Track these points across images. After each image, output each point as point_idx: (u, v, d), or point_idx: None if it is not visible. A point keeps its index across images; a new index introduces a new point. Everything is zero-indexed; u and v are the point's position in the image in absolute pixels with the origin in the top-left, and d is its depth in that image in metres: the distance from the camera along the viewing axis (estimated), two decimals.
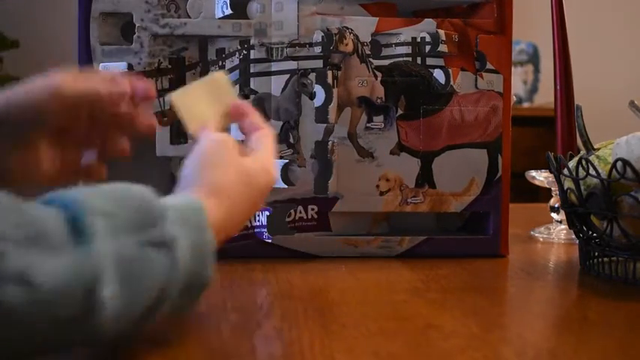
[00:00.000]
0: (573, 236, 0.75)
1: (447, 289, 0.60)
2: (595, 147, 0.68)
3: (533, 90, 2.99)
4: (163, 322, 0.49)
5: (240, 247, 0.69)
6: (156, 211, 0.40)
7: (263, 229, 0.70)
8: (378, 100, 0.72)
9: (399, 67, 0.73)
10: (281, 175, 0.70)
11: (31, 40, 2.37)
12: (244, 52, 0.71)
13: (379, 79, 0.72)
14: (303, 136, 0.71)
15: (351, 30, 0.72)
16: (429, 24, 0.73)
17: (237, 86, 0.71)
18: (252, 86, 0.71)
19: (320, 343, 0.45)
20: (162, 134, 0.70)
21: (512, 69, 0.76)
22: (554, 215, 0.88)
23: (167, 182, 0.65)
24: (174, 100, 0.54)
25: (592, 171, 0.61)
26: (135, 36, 0.70)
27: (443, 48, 0.73)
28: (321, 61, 0.71)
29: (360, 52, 0.72)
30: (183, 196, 0.46)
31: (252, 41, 0.71)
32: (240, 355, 0.43)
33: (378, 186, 0.72)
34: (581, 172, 0.62)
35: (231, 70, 0.71)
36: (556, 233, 0.86)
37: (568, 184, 0.66)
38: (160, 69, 0.70)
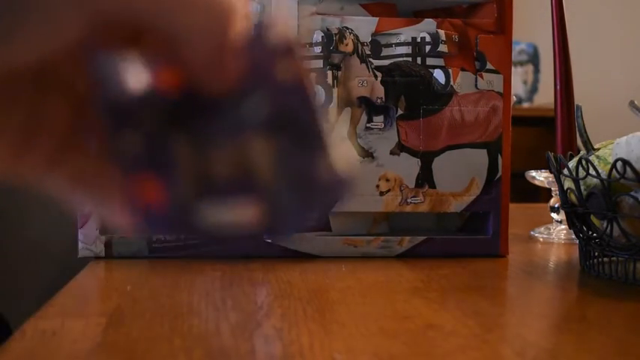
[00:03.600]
0: (573, 236, 0.75)
1: (447, 289, 0.60)
2: (595, 147, 0.68)
3: (533, 90, 3.00)
4: (163, 322, 0.49)
5: (240, 247, 0.69)
6: None
7: None
8: (378, 100, 0.72)
9: (399, 67, 0.73)
10: None
11: None
12: None
13: (379, 79, 0.72)
14: None
15: (351, 30, 0.72)
16: (429, 24, 0.73)
17: None
18: None
19: (320, 342, 0.45)
20: None
21: (513, 69, 0.76)
22: (554, 215, 0.88)
23: None
24: None
25: (592, 171, 0.61)
26: None
27: (443, 48, 0.73)
28: (321, 61, 0.72)
29: (360, 52, 0.72)
30: None
31: None
32: (240, 355, 0.43)
33: (378, 186, 0.72)
34: (581, 172, 0.62)
35: None
36: (556, 233, 0.86)
37: (568, 184, 0.66)
38: None
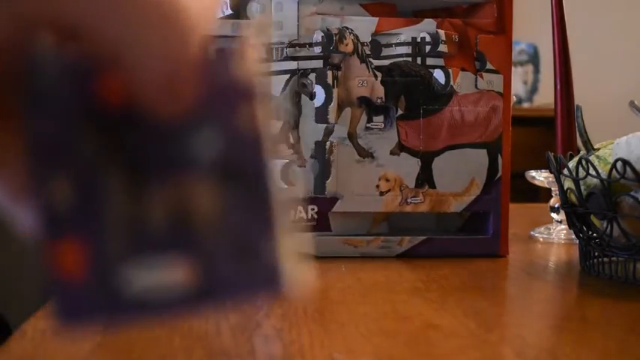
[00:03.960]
0: (573, 236, 0.75)
1: (446, 289, 0.60)
2: (595, 147, 0.68)
3: (533, 90, 3.00)
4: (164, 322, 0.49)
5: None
6: None
7: None
8: (378, 100, 0.72)
9: (399, 67, 0.73)
10: (281, 175, 0.71)
11: None
12: None
13: (379, 79, 0.72)
14: (303, 136, 0.71)
15: (351, 30, 0.72)
16: (429, 24, 0.73)
17: None
18: None
19: (320, 342, 0.45)
20: None
21: (513, 69, 0.76)
22: (554, 215, 0.88)
23: None
24: None
25: (592, 171, 0.61)
26: None
27: (443, 48, 0.73)
28: (321, 61, 0.71)
29: (360, 52, 0.72)
30: None
31: None
32: (240, 355, 0.43)
33: (378, 186, 0.72)
34: (581, 172, 0.62)
35: None
36: (556, 233, 0.86)
37: (568, 184, 0.66)
38: None
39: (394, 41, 0.73)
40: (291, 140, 0.71)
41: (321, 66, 0.71)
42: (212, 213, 0.27)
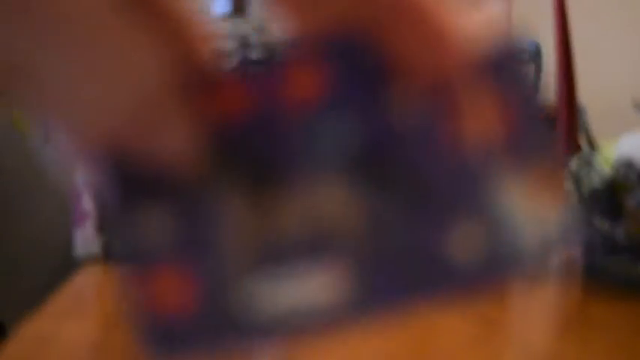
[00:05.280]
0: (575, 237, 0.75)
1: None
2: (598, 147, 0.67)
3: (536, 90, 2.99)
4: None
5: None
6: None
7: None
8: None
9: None
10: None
11: None
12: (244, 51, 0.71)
13: None
14: None
15: None
16: None
17: None
18: None
19: (320, 343, 0.44)
20: None
21: None
22: None
23: None
24: None
25: (595, 171, 0.60)
26: None
27: None
28: None
29: None
30: None
31: (252, 40, 0.70)
32: (240, 355, 0.43)
33: None
34: (584, 172, 0.62)
35: None
36: None
37: (570, 184, 0.65)
38: None
39: None
40: None
41: None
42: (357, 214, 0.22)
